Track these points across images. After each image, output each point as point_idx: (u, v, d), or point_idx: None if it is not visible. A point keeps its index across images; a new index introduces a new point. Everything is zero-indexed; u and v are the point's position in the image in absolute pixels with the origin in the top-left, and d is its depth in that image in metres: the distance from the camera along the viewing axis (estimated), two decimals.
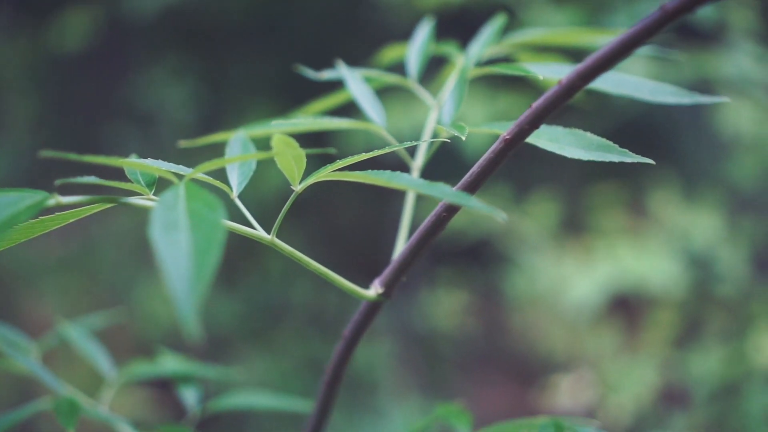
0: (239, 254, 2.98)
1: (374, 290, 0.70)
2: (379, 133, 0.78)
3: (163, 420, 2.76)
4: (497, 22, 0.83)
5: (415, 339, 3.15)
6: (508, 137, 0.61)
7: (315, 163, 0.65)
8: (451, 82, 0.80)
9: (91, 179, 0.59)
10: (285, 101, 3.10)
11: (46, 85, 3.49)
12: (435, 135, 0.78)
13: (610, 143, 0.65)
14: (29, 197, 0.55)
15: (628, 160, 0.64)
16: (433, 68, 0.94)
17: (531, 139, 0.64)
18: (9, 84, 3.39)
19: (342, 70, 0.82)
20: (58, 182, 0.58)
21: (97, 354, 0.91)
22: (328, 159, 0.65)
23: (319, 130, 0.76)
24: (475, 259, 3.10)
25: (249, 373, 2.69)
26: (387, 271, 0.70)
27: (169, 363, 0.91)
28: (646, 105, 2.42)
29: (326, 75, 0.85)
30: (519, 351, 3.10)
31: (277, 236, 0.64)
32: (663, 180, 2.53)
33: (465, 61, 0.79)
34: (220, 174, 0.66)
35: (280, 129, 0.73)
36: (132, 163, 0.61)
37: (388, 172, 0.60)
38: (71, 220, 0.63)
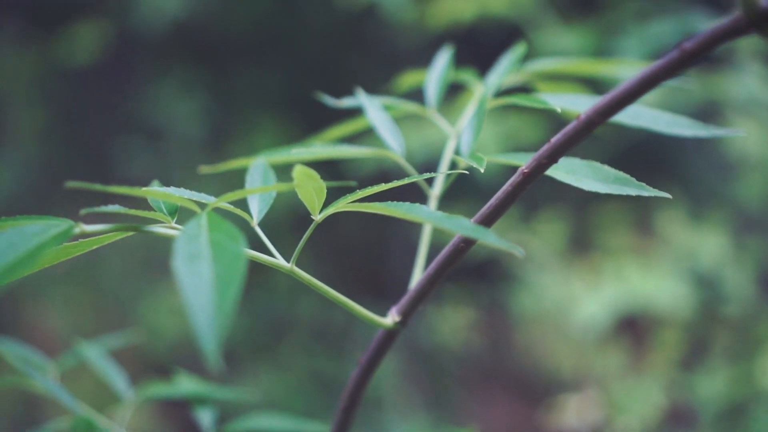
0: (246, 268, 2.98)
1: (391, 318, 0.71)
2: (397, 161, 0.79)
3: None
4: (517, 51, 0.84)
5: (420, 355, 3.15)
6: (526, 171, 0.62)
7: (330, 188, 0.65)
8: (469, 111, 0.80)
9: (116, 208, 0.60)
10: (293, 116, 3.11)
11: (55, 97, 3.51)
12: (453, 164, 0.79)
13: (628, 177, 0.66)
14: (55, 227, 0.56)
15: (645, 194, 0.65)
16: (450, 90, 0.95)
17: (549, 172, 0.65)
18: (17, 96, 3.40)
19: (361, 98, 0.83)
20: (83, 212, 0.58)
21: (113, 374, 0.92)
22: (342, 181, 0.66)
23: (338, 158, 0.77)
24: (482, 276, 3.10)
25: (254, 393, 2.69)
26: (404, 300, 0.70)
27: (185, 384, 0.92)
28: None
29: (346, 102, 0.86)
30: (524, 369, 3.10)
31: (285, 255, 0.65)
32: (669, 200, 2.53)
33: (484, 90, 0.80)
34: (240, 199, 0.67)
35: (299, 157, 0.73)
36: (155, 192, 0.61)
37: (406, 204, 0.60)
38: (94, 247, 0.64)
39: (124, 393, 0.92)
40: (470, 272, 3.05)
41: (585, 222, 2.64)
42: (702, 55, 0.55)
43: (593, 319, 2.29)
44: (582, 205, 2.73)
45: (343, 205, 0.62)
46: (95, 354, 0.92)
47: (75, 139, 3.53)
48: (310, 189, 0.61)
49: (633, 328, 2.66)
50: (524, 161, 0.63)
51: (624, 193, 0.65)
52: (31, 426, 0.86)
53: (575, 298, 2.35)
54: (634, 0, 2.06)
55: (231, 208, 0.64)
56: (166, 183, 0.69)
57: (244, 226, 0.62)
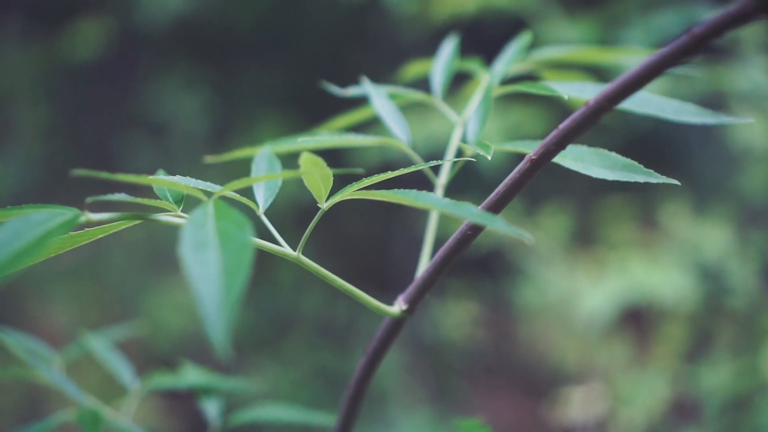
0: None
1: (398, 307, 0.70)
2: (403, 150, 0.79)
3: (174, 429, 2.76)
4: (522, 39, 0.84)
5: (424, 350, 3.15)
6: (534, 158, 0.62)
7: (335, 179, 0.65)
8: (475, 99, 0.80)
9: (122, 197, 0.60)
10: (296, 112, 3.11)
11: (58, 94, 3.51)
12: (459, 152, 0.79)
13: (635, 164, 0.66)
14: (61, 215, 0.56)
15: (654, 180, 0.64)
16: (454, 81, 0.95)
17: (557, 159, 0.64)
18: (21, 93, 3.40)
19: (367, 87, 0.83)
20: (89, 200, 0.58)
21: (119, 365, 0.92)
22: (347, 174, 0.66)
23: (344, 146, 0.77)
24: (486, 270, 3.10)
25: (260, 384, 2.69)
26: (411, 288, 0.70)
27: (191, 375, 0.92)
28: (657, 119, 2.41)
29: (351, 91, 0.86)
30: (528, 362, 3.10)
31: (290, 247, 0.65)
32: (673, 193, 2.53)
33: (490, 79, 0.80)
34: (245, 189, 0.67)
35: (305, 146, 0.73)
36: (161, 180, 0.61)
37: (413, 191, 0.60)
38: (100, 236, 0.64)
39: (130, 384, 0.92)
40: (474, 266, 3.05)
41: (589, 216, 2.64)
42: (711, 40, 0.55)
43: (597, 312, 2.29)
44: (586, 198, 2.73)
45: (349, 192, 0.62)
46: (100, 345, 0.92)
47: (78, 136, 3.53)
48: (317, 176, 0.61)
49: (637, 321, 2.66)
50: (531, 149, 0.63)
51: (632, 180, 0.65)
52: (36, 420, 0.86)
53: (579, 292, 2.34)
54: None
55: (237, 196, 0.64)
56: None
57: (250, 216, 0.61)
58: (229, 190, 0.61)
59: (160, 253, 3.22)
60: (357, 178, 0.64)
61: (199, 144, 3.11)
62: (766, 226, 2.53)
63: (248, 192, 0.69)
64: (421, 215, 2.57)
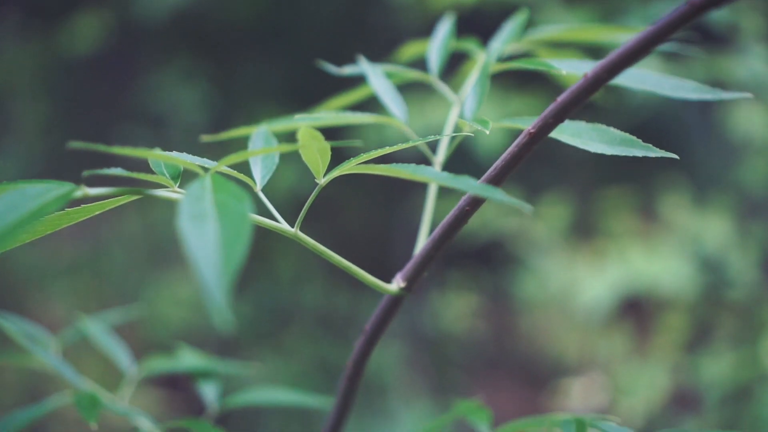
0: (249, 257, 2.98)
1: (396, 284, 0.70)
2: (400, 128, 0.78)
3: (174, 419, 2.76)
4: (519, 18, 0.84)
5: (424, 342, 3.15)
6: (532, 131, 0.61)
7: (332, 160, 0.65)
8: (472, 77, 0.80)
9: (119, 171, 0.60)
10: (294, 105, 3.10)
11: (57, 88, 3.50)
12: (456, 130, 0.78)
13: (633, 138, 0.65)
14: (57, 188, 0.55)
15: (652, 154, 0.64)
16: (451, 66, 0.95)
17: (554, 134, 0.64)
18: (20, 88, 3.40)
19: (363, 66, 0.83)
20: (85, 173, 0.58)
21: (116, 349, 0.91)
22: (344, 156, 0.65)
23: (341, 124, 0.76)
24: (486, 261, 3.10)
25: (260, 374, 2.69)
26: (409, 266, 0.70)
27: (188, 358, 0.92)
28: (657, 109, 2.41)
29: (347, 70, 0.85)
30: (529, 354, 3.10)
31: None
32: (673, 184, 2.53)
33: (487, 56, 0.79)
34: (242, 168, 0.66)
35: (303, 123, 0.73)
36: (158, 155, 0.61)
37: (412, 165, 0.60)
38: (97, 212, 0.63)
39: (127, 368, 0.92)
40: (474, 258, 3.05)
41: (589, 206, 2.63)
42: (711, 9, 0.55)
43: (597, 303, 2.29)
44: (586, 189, 2.73)
45: (348, 167, 0.62)
46: (97, 329, 0.92)
47: (78, 130, 3.52)
48: (314, 150, 0.61)
49: (637, 312, 2.66)
50: (529, 125, 0.62)
51: (630, 155, 0.65)
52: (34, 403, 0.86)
53: (579, 282, 2.34)
54: None
55: (234, 172, 0.64)
56: None
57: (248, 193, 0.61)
58: (225, 165, 0.61)
59: (159, 247, 3.22)
60: (355, 156, 0.63)
61: (199, 136, 3.10)
62: (766, 218, 2.52)
63: (246, 171, 0.68)
64: (421, 206, 2.55)
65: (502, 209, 2.45)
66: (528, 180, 2.71)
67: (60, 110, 3.49)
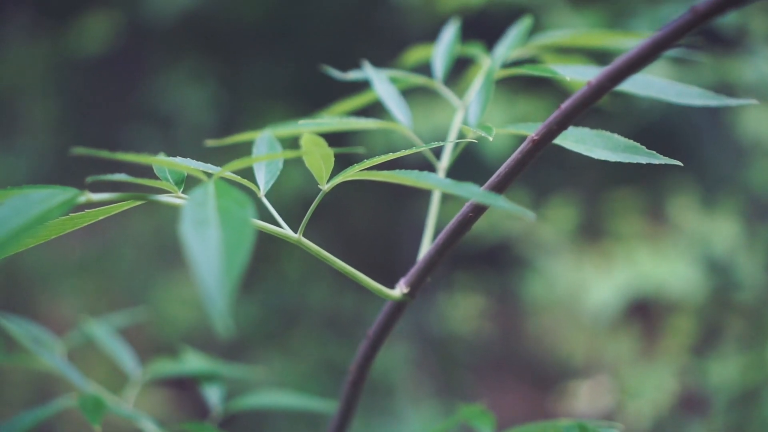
0: (256, 258, 2.98)
1: (399, 290, 0.70)
2: (405, 133, 0.78)
3: (181, 420, 2.77)
4: (524, 23, 0.83)
5: (431, 343, 3.15)
6: (536, 138, 0.61)
7: (337, 164, 0.65)
8: (477, 83, 0.80)
9: (122, 177, 0.60)
10: (301, 105, 3.11)
11: (67, 88, 3.52)
12: (461, 136, 0.78)
13: (638, 145, 0.65)
14: (61, 194, 0.56)
15: (656, 161, 0.64)
16: (455, 71, 0.95)
17: (558, 141, 0.64)
18: (30, 87, 3.41)
19: (368, 71, 0.83)
20: (89, 179, 0.58)
21: (121, 352, 0.92)
22: (350, 161, 0.65)
23: (345, 130, 0.77)
24: (493, 263, 3.10)
25: (266, 376, 2.70)
26: (412, 271, 0.70)
27: (193, 361, 0.92)
28: (666, 110, 2.41)
29: (352, 75, 0.85)
30: (536, 356, 3.09)
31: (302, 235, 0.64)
32: (682, 186, 2.52)
33: (491, 62, 0.79)
34: (246, 173, 0.67)
35: (307, 129, 0.73)
36: (161, 161, 0.61)
37: (415, 171, 0.60)
38: (101, 217, 0.64)
39: (132, 371, 0.92)
40: (481, 259, 3.04)
41: (596, 208, 2.63)
42: (714, 17, 0.54)
43: (605, 305, 2.28)
44: (593, 191, 2.72)
45: (351, 173, 0.62)
46: (102, 332, 0.92)
47: (87, 129, 3.54)
48: (318, 156, 0.61)
49: (645, 315, 2.65)
50: (533, 131, 0.62)
51: (634, 161, 0.64)
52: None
53: (587, 284, 2.34)
54: None
55: (237, 178, 0.64)
56: None
57: (252, 199, 0.61)
58: (229, 171, 0.61)
59: (167, 247, 3.23)
60: (359, 162, 0.63)
61: (206, 136, 3.11)
62: None
63: (250, 176, 0.68)
64: (427, 208, 2.55)
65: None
66: (535, 182, 2.71)
67: (69, 109, 3.51)
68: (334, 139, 0.65)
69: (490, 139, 0.64)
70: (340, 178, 0.62)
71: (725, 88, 2.02)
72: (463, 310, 3.10)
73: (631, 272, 2.32)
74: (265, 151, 0.71)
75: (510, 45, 0.81)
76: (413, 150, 0.64)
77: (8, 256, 0.55)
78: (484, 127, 0.67)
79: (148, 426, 0.84)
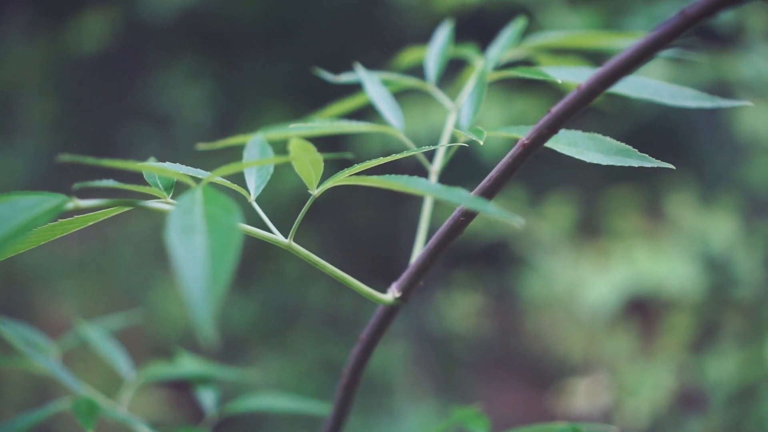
0: (255, 257, 2.99)
1: (391, 294, 0.70)
2: (397, 136, 0.78)
3: (179, 421, 2.77)
4: (517, 24, 0.83)
5: (429, 341, 3.15)
6: (527, 142, 0.61)
7: (332, 166, 0.64)
8: (469, 85, 0.79)
9: (110, 183, 0.59)
10: (299, 104, 3.10)
11: (64, 86, 3.51)
12: (453, 139, 0.78)
13: (630, 148, 0.65)
14: (48, 200, 0.55)
15: (648, 164, 0.63)
16: (451, 71, 0.94)
17: (550, 144, 0.64)
18: (27, 85, 3.41)
19: (360, 73, 0.82)
20: (76, 186, 0.58)
21: (116, 355, 0.91)
22: (345, 163, 0.65)
23: (337, 133, 0.76)
24: (491, 261, 3.10)
25: (264, 375, 2.70)
26: (404, 276, 0.70)
27: (187, 364, 0.92)
28: (663, 108, 2.40)
29: (344, 78, 0.85)
30: (534, 354, 3.09)
31: (293, 240, 0.64)
32: (680, 183, 2.52)
33: (484, 64, 0.79)
34: (237, 177, 0.66)
35: (298, 132, 0.73)
36: (150, 167, 0.61)
37: (405, 177, 0.59)
38: (90, 223, 0.63)
39: (127, 374, 0.92)
40: (479, 257, 3.04)
41: (594, 206, 2.63)
42: (704, 20, 0.54)
43: (603, 302, 2.28)
44: (591, 189, 2.72)
45: (341, 179, 0.61)
46: (97, 335, 0.92)
47: (84, 127, 3.53)
48: (307, 162, 0.61)
49: (643, 312, 2.65)
50: (525, 134, 0.62)
51: (626, 165, 0.64)
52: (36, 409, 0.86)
53: (585, 282, 2.34)
54: None
55: (227, 183, 0.64)
56: None
57: (243, 204, 0.61)
58: (218, 176, 0.61)
59: (166, 247, 3.22)
60: (351, 166, 0.63)
61: (204, 135, 3.11)
62: None
63: (242, 180, 0.68)
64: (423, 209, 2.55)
65: (507, 209, 2.45)
66: (533, 180, 2.71)
67: (67, 108, 3.50)
68: (330, 141, 0.65)
69: (481, 142, 0.64)
70: (329, 184, 0.62)
71: (722, 86, 2.01)
72: (461, 309, 3.10)
73: (628, 270, 2.32)
74: (256, 155, 0.70)
75: (503, 46, 0.81)
76: (405, 154, 0.63)
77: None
78: (475, 131, 0.67)
79: (143, 429, 0.84)
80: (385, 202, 3.33)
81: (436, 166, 0.78)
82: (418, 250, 0.75)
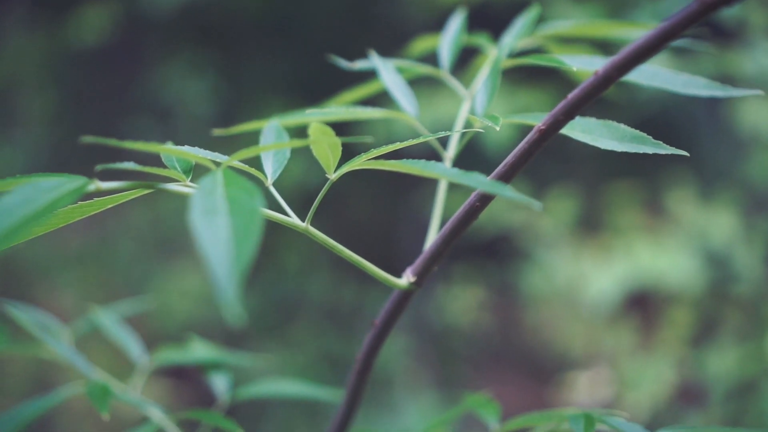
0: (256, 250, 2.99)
1: (406, 279, 0.70)
2: (411, 123, 0.79)
3: (181, 409, 2.77)
4: (530, 13, 0.84)
5: (430, 335, 3.16)
6: (543, 128, 0.61)
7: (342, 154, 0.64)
8: (483, 72, 0.80)
9: (131, 165, 0.60)
10: (300, 97, 3.10)
11: (64, 79, 3.51)
12: (467, 126, 0.78)
13: (644, 135, 0.65)
14: (70, 182, 0.56)
15: (663, 151, 0.64)
16: (461, 61, 0.95)
17: (565, 131, 0.64)
18: (27, 79, 3.41)
19: (375, 61, 0.83)
20: (98, 168, 0.58)
21: (128, 340, 0.92)
22: (350, 152, 0.65)
23: (352, 119, 0.77)
24: (492, 255, 3.10)
25: (266, 366, 2.70)
26: (419, 260, 0.70)
27: (199, 350, 0.92)
28: (664, 103, 2.41)
29: (359, 65, 0.86)
30: (534, 348, 3.10)
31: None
32: (680, 179, 2.53)
33: (498, 51, 0.79)
34: (251, 164, 0.67)
35: (314, 118, 0.73)
36: (170, 149, 0.61)
37: (422, 161, 0.60)
38: (109, 206, 0.64)
39: (139, 359, 0.92)
40: (480, 251, 3.05)
41: (595, 200, 2.63)
42: (722, 7, 0.55)
43: (603, 297, 2.29)
44: (593, 183, 2.73)
45: (358, 163, 0.62)
46: (109, 320, 0.93)
47: (85, 121, 3.53)
48: (325, 145, 0.61)
49: (643, 307, 2.66)
50: (539, 122, 0.62)
51: (640, 152, 0.65)
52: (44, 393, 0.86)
53: (585, 276, 2.34)
54: None
55: (245, 167, 0.64)
56: None
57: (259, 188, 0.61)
58: (236, 160, 0.61)
59: (166, 239, 3.23)
60: (363, 152, 0.63)
61: (206, 128, 3.11)
62: None
63: (257, 165, 0.69)
64: (427, 201, 2.57)
65: (510, 203, 2.46)
66: (535, 174, 2.71)
67: (67, 102, 3.50)
68: (335, 130, 0.65)
69: (497, 128, 0.65)
70: (347, 168, 0.62)
71: (725, 80, 2.01)
72: (462, 302, 3.11)
73: (629, 264, 2.33)
74: (273, 140, 0.71)
75: (517, 34, 0.82)
76: (421, 139, 0.64)
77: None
78: (491, 117, 0.67)
79: (155, 413, 0.84)
80: (383, 196, 3.33)
81: (450, 153, 0.78)
82: (433, 235, 0.76)
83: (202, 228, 0.51)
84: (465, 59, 0.95)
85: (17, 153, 3.29)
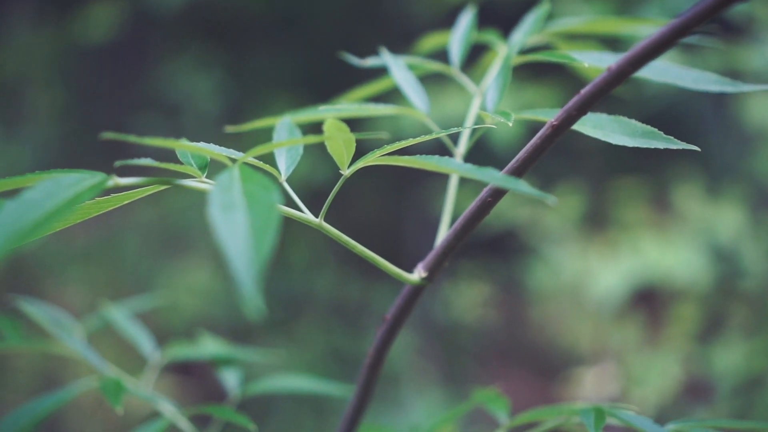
0: None
1: (418, 274, 0.71)
2: (422, 119, 0.79)
3: (188, 405, 2.78)
4: (541, 9, 0.84)
5: (436, 331, 3.16)
6: (555, 123, 0.62)
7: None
8: (494, 69, 0.80)
9: (148, 161, 0.60)
10: (307, 94, 3.11)
11: (72, 76, 3.52)
12: (478, 122, 0.79)
13: (655, 130, 0.66)
14: (90, 178, 0.56)
15: (674, 146, 0.64)
16: (468, 58, 0.95)
17: (576, 126, 0.65)
18: (35, 75, 3.42)
19: (386, 57, 0.83)
20: (117, 164, 0.59)
21: (140, 335, 0.93)
22: (359, 148, 0.66)
23: (363, 116, 0.77)
24: (498, 251, 3.11)
25: (273, 362, 2.71)
26: (431, 256, 0.71)
27: (210, 345, 0.93)
28: (671, 99, 2.41)
29: (370, 62, 0.86)
30: (540, 344, 3.10)
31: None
32: (687, 174, 2.53)
33: (509, 48, 0.80)
34: (264, 160, 0.67)
35: (327, 114, 0.74)
36: (186, 145, 0.62)
37: (436, 157, 0.61)
38: (126, 202, 0.64)
39: (150, 354, 0.93)
40: (486, 247, 3.05)
41: (602, 197, 2.64)
42: (736, 3, 0.55)
43: (610, 293, 2.30)
44: (599, 179, 2.73)
45: (372, 158, 0.62)
46: (121, 315, 0.93)
47: (92, 117, 3.54)
48: (340, 141, 0.62)
49: (650, 302, 2.66)
50: (551, 117, 0.63)
51: (652, 147, 0.65)
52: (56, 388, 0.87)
53: (592, 273, 2.35)
54: None
55: (259, 163, 0.65)
56: None
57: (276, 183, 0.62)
58: (251, 156, 0.62)
59: (173, 235, 3.24)
60: (373, 149, 0.64)
61: (213, 124, 3.12)
62: None
63: (270, 162, 0.69)
64: (432, 198, 2.57)
65: (516, 199, 2.46)
66: (541, 170, 2.72)
67: (74, 98, 3.51)
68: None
69: (510, 124, 0.65)
70: (361, 163, 0.63)
71: (732, 76, 2.02)
72: (468, 298, 3.11)
73: (636, 260, 2.33)
74: (286, 137, 0.71)
75: (527, 31, 0.82)
76: (434, 135, 0.65)
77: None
78: (502, 113, 0.68)
79: (167, 408, 0.85)
80: (388, 195, 3.34)
81: (461, 149, 0.79)
82: (444, 231, 0.76)
83: (221, 223, 0.52)
84: (472, 57, 0.96)
85: (25, 150, 3.30)
